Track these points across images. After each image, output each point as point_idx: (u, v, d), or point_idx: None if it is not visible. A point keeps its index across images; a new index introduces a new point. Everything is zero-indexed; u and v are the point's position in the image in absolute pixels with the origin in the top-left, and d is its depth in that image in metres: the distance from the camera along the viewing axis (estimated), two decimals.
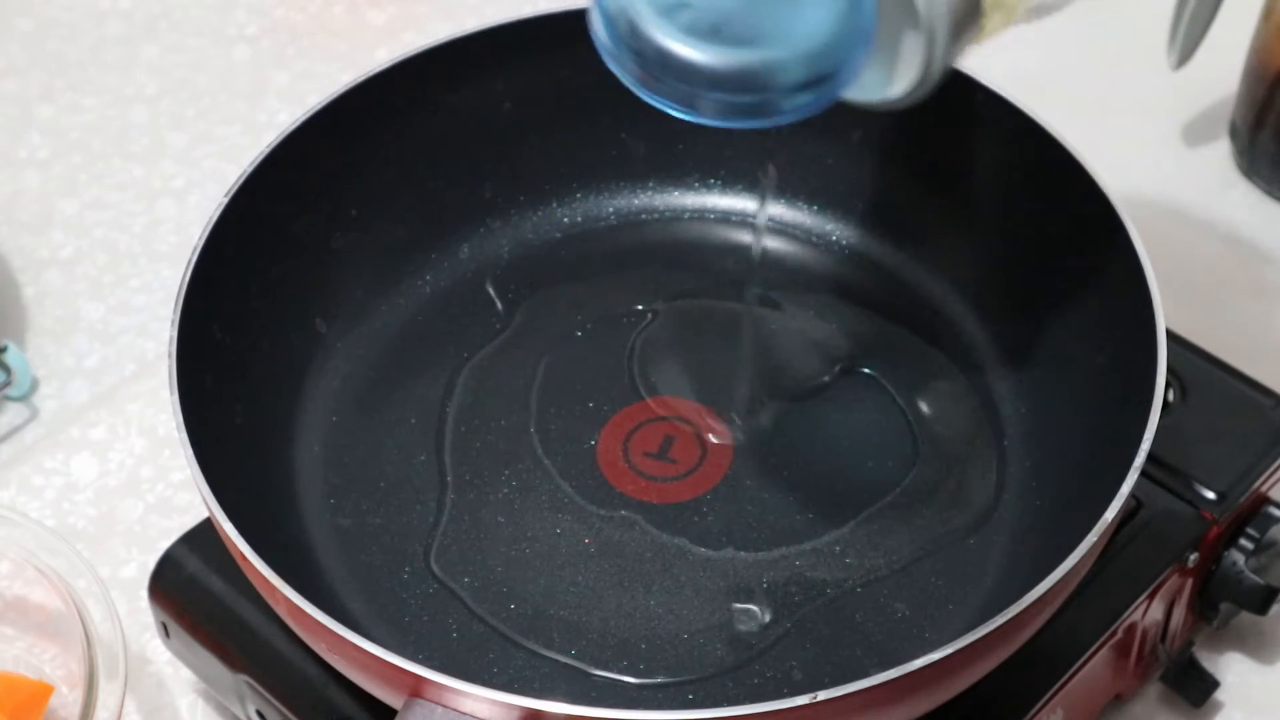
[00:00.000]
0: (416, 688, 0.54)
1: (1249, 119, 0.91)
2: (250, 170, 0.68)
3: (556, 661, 0.63)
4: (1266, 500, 0.69)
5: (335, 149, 0.71)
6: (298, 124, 0.70)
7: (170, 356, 0.62)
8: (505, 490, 0.68)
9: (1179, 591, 0.68)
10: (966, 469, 0.68)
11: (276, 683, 0.65)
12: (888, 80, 0.54)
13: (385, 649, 0.54)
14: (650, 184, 0.78)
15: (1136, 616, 0.65)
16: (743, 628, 0.63)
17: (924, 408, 0.70)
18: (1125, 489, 0.57)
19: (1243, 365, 0.72)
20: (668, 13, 0.52)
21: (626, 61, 0.53)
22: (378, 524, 0.67)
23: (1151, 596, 0.66)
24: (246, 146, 0.96)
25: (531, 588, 0.65)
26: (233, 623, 0.67)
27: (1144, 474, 0.58)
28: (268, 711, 0.65)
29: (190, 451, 0.59)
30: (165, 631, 0.69)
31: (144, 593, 0.70)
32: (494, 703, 0.53)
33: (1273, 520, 0.69)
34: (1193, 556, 0.67)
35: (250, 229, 0.68)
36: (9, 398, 0.84)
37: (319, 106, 0.70)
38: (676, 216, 0.77)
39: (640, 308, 0.74)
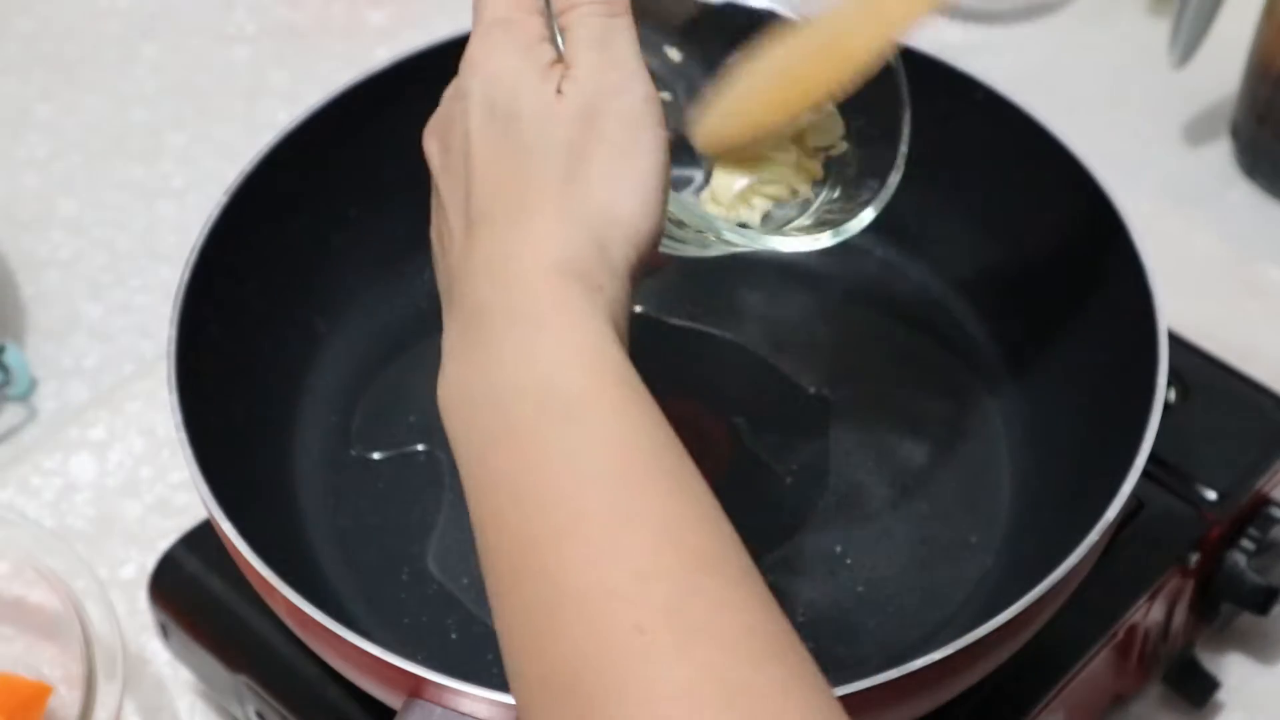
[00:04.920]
0: (416, 688, 0.54)
1: (1251, 118, 0.91)
2: (250, 170, 0.68)
3: None
4: (1268, 500, 0.69)
5: (335, 149, 0.71)
6: (297, 124, 0.70)
7: (169, 356, 0.62)
8: None
9: (1180, 592, 0.67)
10: (967, 468, 0.68)
11: (276, 683, 0.65)
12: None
13: (385, 649, 0.54)
14: None
15: (1138, 617, 0.65)
16: None
17: (924, 407, 0.70)
18: (1126, 489, 0.57)
19: (1243, 365, 0.72)
20: None
21: None
22: (377, 524, 0.67)
23: (1153, 597, 0.65)
24: (246, 146, 0.96)
25: None
26: (232, 623, 0.66)
27: (1145, 474, 0.58)
28: (267, 712, 0.65)
29: (190, 451, 0.59)
30: (164, 632, 0.69)
31: (143, 593, 0.69)
32: (493, 703, 0.53)
33: (1274, 520, 0.69)
34: (1194, 557, 0.67)
35: (250, 229, 0.68)
36: (8, 398, 0.83)
37: (319, 106, 0.70)
38: None
39: (639, 308, 0.74)
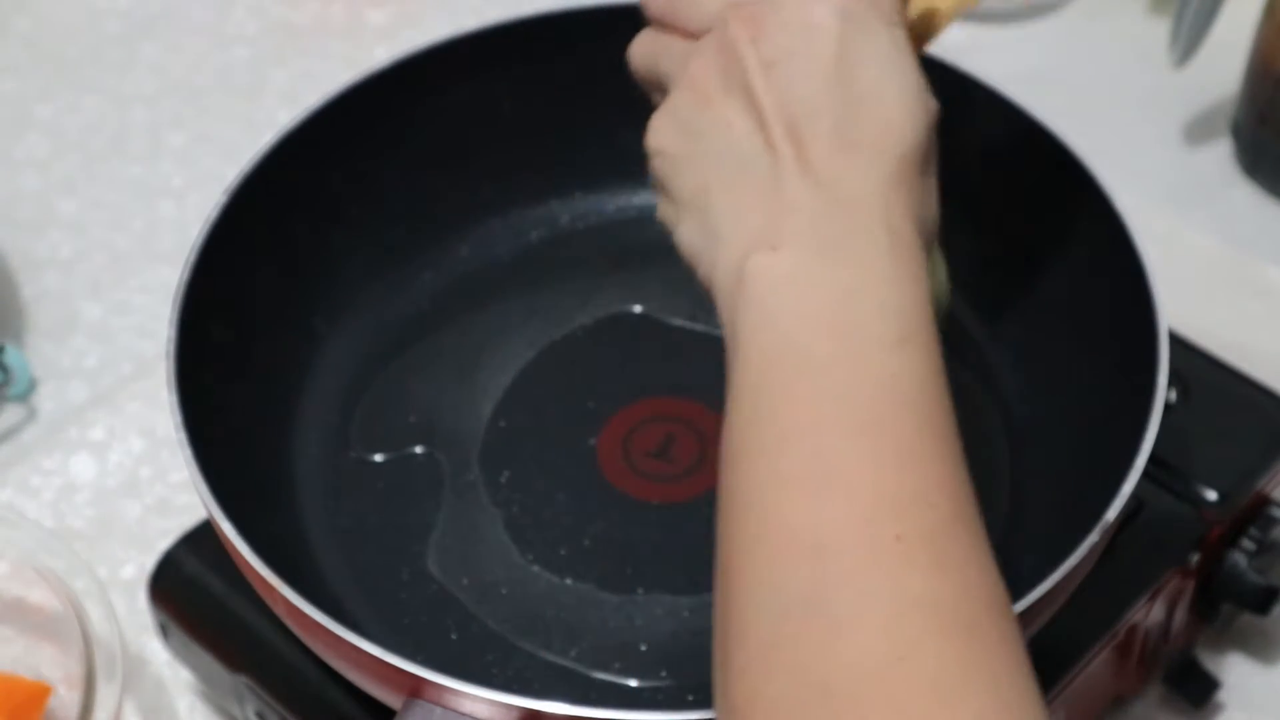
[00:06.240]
0: (416, 688, 0.54)
1: (1251, 118, 0.91)
2: (249, 170, 0.68)
3: (556, 663, 0.62)
4: (1268, 501, 0.69)
5: (335, 149, 0.71)
6: (297, 124, 0.70)
7: (169, 356, 0.62)
8: (504, 490, 0.68)
9: (1180, 592, 0.67)
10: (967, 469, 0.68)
11: (276, 683, 0.65)
12: None
13: (385, 649, 0.54)
14: (650, 183, 0.77)
15: (1138, 617, 0.65)
16: None
17: None
18: (1126, 489, 0.57)
19: (1243, 365, 0.72)
20: None
21: None
22: (377, 524, 0.67)
23: (1153, 598, 0.65)
24: (246, 146, 0.96)
25: (531, 588, 0.64)
26: (232, 623, 0.66)
27: (1145, 474, 0.58)
28: (267, 712, 0.65)
29: (190, 451, 0.59)
30: (164, 632, 0.69)
31: (143, 593, 0.69)
32: (493, 703, 0.53)
33: (1274, 521, 0.69)
34: (1194, 557, 0.67)
35: (249, 229, 0.68)
36: (8, 398, 0.83)
37: (319, 106, 0.70)
38: None
39: (640, 308, 0.74)
